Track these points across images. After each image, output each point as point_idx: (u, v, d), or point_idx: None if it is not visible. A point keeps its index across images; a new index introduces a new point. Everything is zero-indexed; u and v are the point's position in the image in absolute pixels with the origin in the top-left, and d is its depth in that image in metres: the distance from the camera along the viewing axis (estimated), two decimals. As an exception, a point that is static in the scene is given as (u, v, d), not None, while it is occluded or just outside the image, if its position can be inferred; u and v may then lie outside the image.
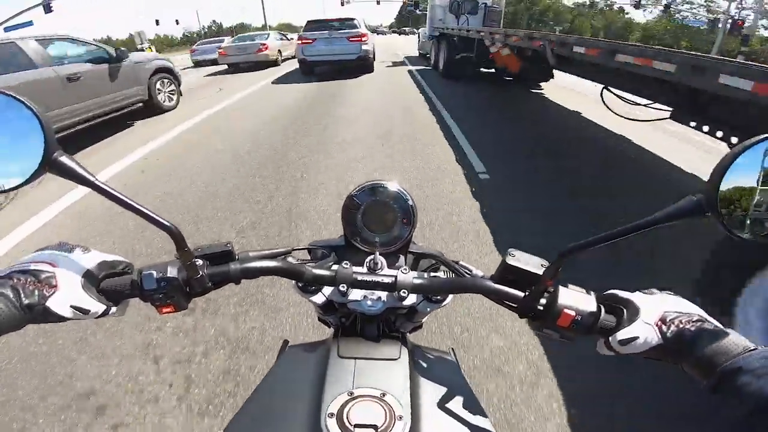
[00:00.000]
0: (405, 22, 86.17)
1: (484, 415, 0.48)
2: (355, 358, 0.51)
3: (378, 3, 39.54)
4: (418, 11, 17.31)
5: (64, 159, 0.37)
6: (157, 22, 42.69)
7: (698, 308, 0.42)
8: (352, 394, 0.45)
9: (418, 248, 0.60)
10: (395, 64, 13.03)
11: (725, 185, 0.33)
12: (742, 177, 0.33)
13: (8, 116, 0.35)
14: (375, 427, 0.41)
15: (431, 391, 0.49)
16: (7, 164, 0.37)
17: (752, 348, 0.35)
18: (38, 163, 0.35)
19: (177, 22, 51.22)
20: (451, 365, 0.59)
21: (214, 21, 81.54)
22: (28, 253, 0.41)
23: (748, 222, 0.35)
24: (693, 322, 0.39)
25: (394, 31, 74.48)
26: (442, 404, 0.47)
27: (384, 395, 0.45)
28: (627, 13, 49.61)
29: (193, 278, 0.44)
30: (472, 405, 0.48)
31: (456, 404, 0.48)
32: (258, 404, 0.50)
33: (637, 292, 0.45)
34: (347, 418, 0.42)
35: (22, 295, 0.37)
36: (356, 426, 0.41)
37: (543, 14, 50.30)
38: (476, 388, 0.73)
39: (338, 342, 0.53)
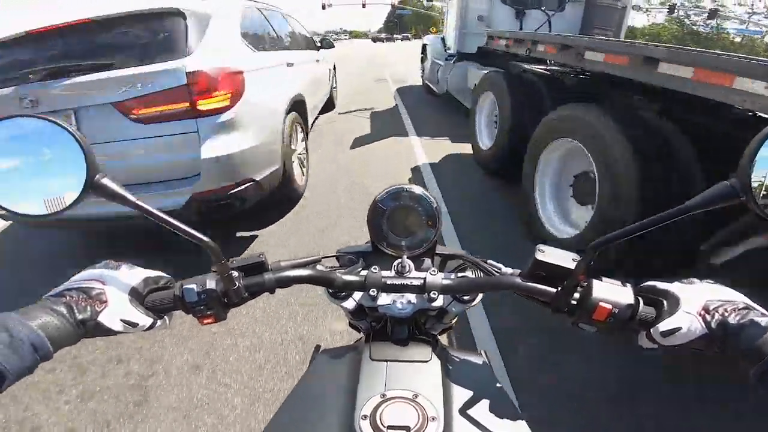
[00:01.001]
0: (393, 27, 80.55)
1: (519, 417, 0.46)
2: (387, 361, 0.51)
3: (363, 6, 34.51)
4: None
5: (106, 181, 0.39)
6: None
7: (742, 295, 0.41)
8: (384, 396, 0.45)
9: (444, 249, 0.61)
10: (381, 133, 5.04)
11: (757, 169, 0.33)
12: None
13: (51, 142, 0.37)
14: (408, 428, 0.41)
15: (464, 392, 0.48)
16: (53, 188, 0.39)
17: None
18: (82, 186, 0.38)
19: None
20: (482, 366, 0.57)
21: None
22: None
23: None
24: (738, 310, 0.38)
25: (402, 38, 59.26)
26: (475, 405, 0.47)
27: (416, 396, 0.45)
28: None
29: (230, 289, 0.46)
30: (506, 406, 0.48)
31: (489, 405, 0.47)
32: (293, 408, 0.51)
33: (676, 282, 0.44)
34: (380, 419, 0.42)
35: (76, 311, 0.39)
36: (389, 427, 0.41)
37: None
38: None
39: (369, 345, 0.54)
